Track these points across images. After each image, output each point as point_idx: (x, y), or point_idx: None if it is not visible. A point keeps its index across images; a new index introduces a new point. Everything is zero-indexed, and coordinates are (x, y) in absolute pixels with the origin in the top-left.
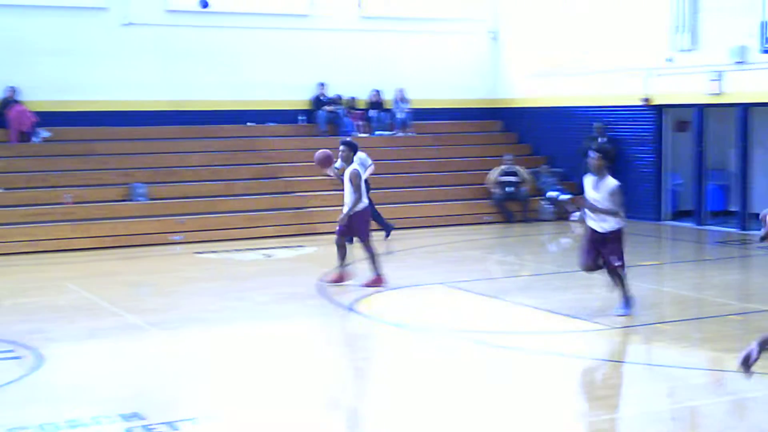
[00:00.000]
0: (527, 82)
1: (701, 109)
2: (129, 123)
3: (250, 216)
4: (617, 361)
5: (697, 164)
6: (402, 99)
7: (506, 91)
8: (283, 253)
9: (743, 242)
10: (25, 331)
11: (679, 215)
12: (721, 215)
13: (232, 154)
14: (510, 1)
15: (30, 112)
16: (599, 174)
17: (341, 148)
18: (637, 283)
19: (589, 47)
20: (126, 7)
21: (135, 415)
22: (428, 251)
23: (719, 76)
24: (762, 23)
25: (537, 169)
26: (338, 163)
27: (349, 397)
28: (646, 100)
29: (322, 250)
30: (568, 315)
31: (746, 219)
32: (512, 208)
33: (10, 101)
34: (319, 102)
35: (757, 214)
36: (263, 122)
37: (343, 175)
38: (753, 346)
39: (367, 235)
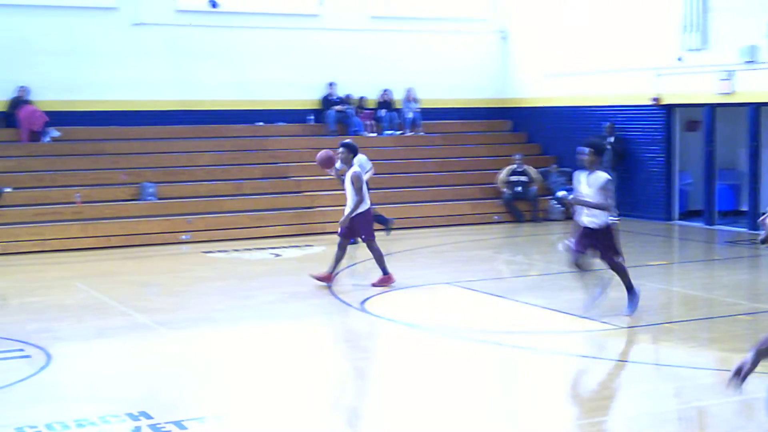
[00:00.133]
0: (537, 82)
1: (711, 108)
2: (138, 123)
3: (259, 215)
4: (625, 360)
5: (707, 164)
6: (411, 99)
7: (516, 91)
8: (292, 252)
9: (753, 242)
10: (33, 330)
11: (688, 215)
12: (731, 215)
13: (241, 154)
14: (519, 0)
15: (40, 111)
16: (590, 169)
17: (340, 149)
18: (646, 282)
19: (599, 47)
20: (136, 7)
21: (143, 414)
22: (437, 251)
23: (729, 76)
24: None
25: (546, 168)
26: (338, 164)
27: (357, 396)
28: (656, 99)
29: (331, 250)
30: (576, 315)
31: (756, 219)
32: (521, 208)
33: (21, 101)
34: (328, 102)
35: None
36: (272, 122)
37: (343, 176)
38: (748, 357)
39: (372, 236)
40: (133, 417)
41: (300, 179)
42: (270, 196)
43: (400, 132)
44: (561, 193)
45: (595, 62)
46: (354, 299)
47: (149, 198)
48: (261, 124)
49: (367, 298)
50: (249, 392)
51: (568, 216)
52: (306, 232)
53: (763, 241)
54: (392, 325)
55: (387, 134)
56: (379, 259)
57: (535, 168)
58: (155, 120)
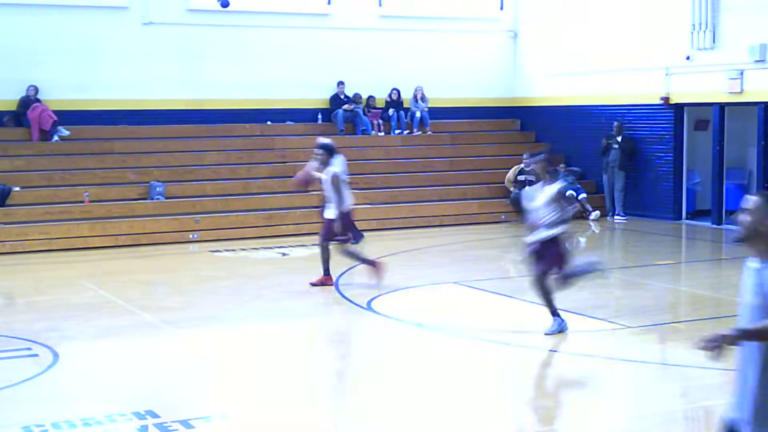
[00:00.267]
0: (546, 81)
1: (720, 107)
2: (147, 122)
3: (267, 215)
4: (632, 360)
5: (716, 163)
6: (420, 98)
7: (525, 90)
8: (299, 251)
9: None
10: (40, 329)
11: (697, 214)
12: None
13: (250, 153)
14: (529, 0)
15: (50, 111)
16: (545, 179)
17: (318, 150)
18: (653, 282)
19: (608, 46)
20: (146, 7)
21: (149, 413)
22: (444, 250)
23: (739, 75)
24: None
25: (555, 168)
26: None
27: (363, 396)
28: (665, 98)
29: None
30: (583, 314)
31: None
32: None
33: (31, 100)
34: (337, 101)
35: None
36: (281, 121)
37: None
38: (729, 331)
39: (347, 238)
40: (140, 416)
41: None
42: (278, 196)
43: (409, 131)
44: (569, 193)
45: (604, 61)
46: (361, 299)
47: (158, 197)
48: (270, 123)
49: (374, 298)
50: (255, 391)
51: (576, 215)
52: (314, 231)
53: (738, 240)
54: (399, 325)
55: (395, 134)
56: (328, 260)
57: None
58: (164, 119)
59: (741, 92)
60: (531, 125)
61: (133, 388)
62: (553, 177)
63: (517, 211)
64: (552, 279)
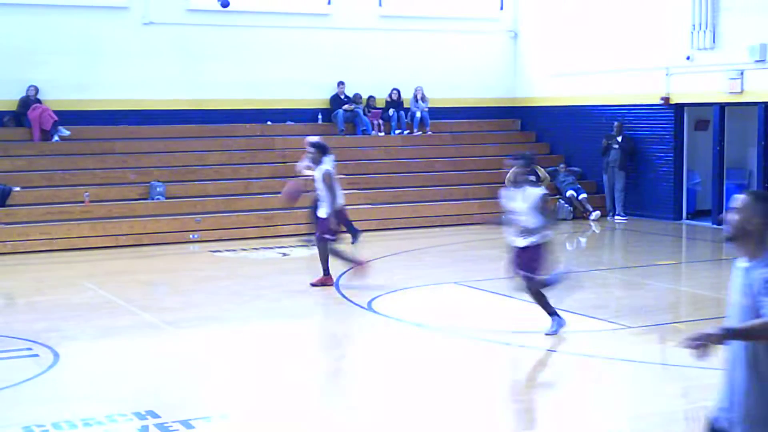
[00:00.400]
0: (546, 81)
1: (720, 107)
2: (148, 122)
3: (268, 215)
4: (632, 360)
5: (716, 163)
6: (420, 98)
7: (525, 90)
8: (300, 252)
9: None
10: (41, 329)
11: (697, 214)
12: None
13: (250, 153)
14: (530, 0)
15: (50, 111)
16: (517, 185)
17: (310, 149)
18: (654, 282)
19: (608, 46)
20: (146, 7)
21: (150, 413)
22: (445, 250)
23: (739, 75)
24: None
25: (555, 168)
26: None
27: (364, 396)
28: (665, 98)
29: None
30: (583, 314)
31: None
32: None
33: (32, 100)
34: (337, 101)
35: None
36: (282, 121)
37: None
38: (716, 330)
39: (335, 237)
40: (140, 416)
41: (309, 178)
42: (279, 196)
43: (409, 131)
44: (569, 193)
45: (605, 61)
46: (361, 299)
47: (158, 197)
48: (270, 123)
49: (375, 298)
50: (256, 391)
51: (577, 216)
52: (314, 231)
53: (727, 239)
54: (400, 325)
55: (396, 134)
56: (326, 259)
57: (544, 167)
58: (165, 119)
59: (741, 92)
60: (531, 125)
61: (134, 388)
62: (534, 181)
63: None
64: (523, 280)
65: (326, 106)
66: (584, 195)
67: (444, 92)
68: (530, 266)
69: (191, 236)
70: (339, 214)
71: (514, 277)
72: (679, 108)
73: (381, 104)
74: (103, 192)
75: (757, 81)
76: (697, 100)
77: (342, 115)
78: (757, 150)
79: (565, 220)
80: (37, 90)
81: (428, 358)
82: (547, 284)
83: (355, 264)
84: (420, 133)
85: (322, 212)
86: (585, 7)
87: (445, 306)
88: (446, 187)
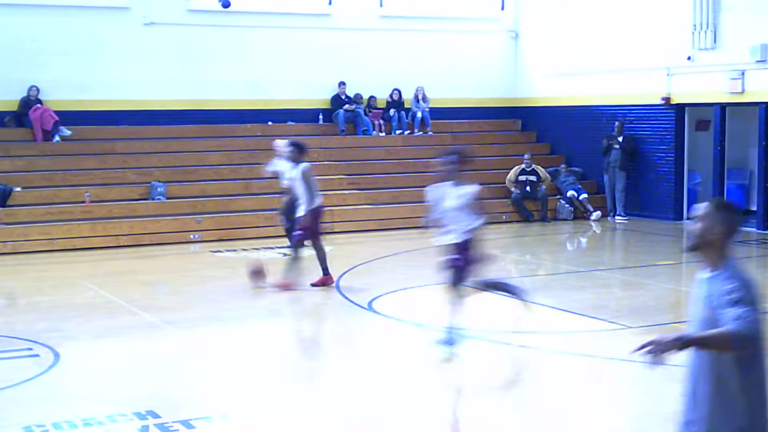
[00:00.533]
0: (547, 82)
1: (721, 108)
2: (148, 122)
3: (268, 215)
4: (633, 360)
5: (717, 163)
6: (421, 98)
7: (526, 91)
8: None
9: (762, 242)
10: (42, 329)
11: None
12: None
13: (251, 153)
14: (530, 0)
15: (50, 111)
16: (456, 179)
17: (289, 149)
18: (654, 282)
19: (609, 46)
20: (147, 7)
21: (150, 413)
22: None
23: (740, 75)
24: None
25: (556, 168)
26: (275, 166)
27: (364, 396)
28: (666, 99)
29: (338, 249)
30: (584, 314)
31: (766, 218)
32: (530, 207)
33: (33, 100)
34: (338, 101)
35: None
36: (282, 121)
37: (280, 176)
38: (670, 336)
39: (318, 234)
40: (141, 416)
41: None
42: (279, 196)
43: (410, 132)
44: (570, 194)
45: (605, 61)
46: (362, 299)
47: (158, 197)
48: (271, 123)
49: (375, 298)
50: (256, 391)
51: (577, 216)
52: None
53: (689, 249)
54: (400, 325)
55: (396, 134)
56: (323, 258)
57: (544, 167)
58: (165, 119)
59: (742, 92)
60: (532, 125)
61: (134, 388)
62: (466, 179)
63: (520, 211)
64: (467, 284)
65: (327, 106)
66: (585, 195)
67: (445, 92)
68: (462, 264)
69: (192, 236)
70: (316, 213)
71: (454, 279)
72: (680, 108)
73: (382, 104)
74: (103, 192)
75: (758, 81)
76: (698, 100)
77: (343, 116)
78: (758, 150)
79: (566, 220)
80: (38, 90)
81: (428, 358)
82: (497, 288)
83: (288, 281)
84: (421, 133)
85: (301, 211)
86: (586, 7)
87: (445, 306)
88: None
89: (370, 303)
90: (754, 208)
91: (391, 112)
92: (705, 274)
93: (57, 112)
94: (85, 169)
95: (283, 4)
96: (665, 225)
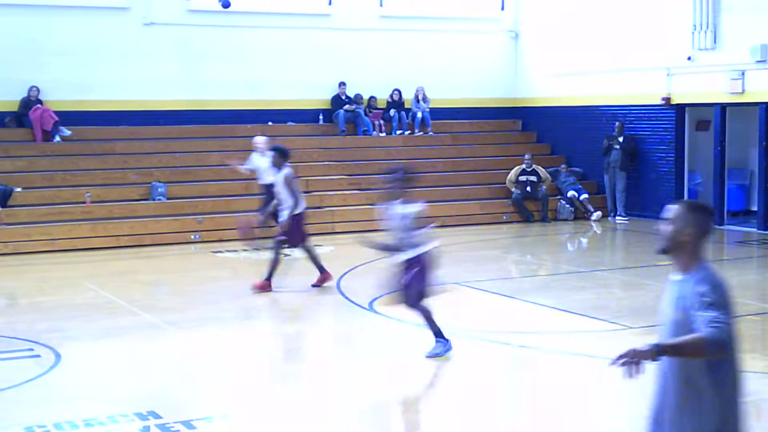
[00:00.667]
0: (547, 82)
1: (722, 108)
2: (149, 122)
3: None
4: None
5: (717, 164)
6: (421, 98)
7: (526, 91)
8: (301, 252)
9: (763, 242)
10: (42, 329)
11: None
12: (741, 215)
13: (252, 154)
14: (531, 0)
15: (51, 111)
16: (401, 198)
17: (271, 153)
18: (655, 282)
19: (609, 46)
20: (147, 7)
21: (151, 414)
22: (445, 250)
23: (740, 75)
24: None
25: (556, 168)
26: (248, 165)
27: (364, 396)
28: (667, 99)
29: (340, 250)
30: (584, 315)
31: (766, 219)
32: (530, 208)
33: (34, 101)
34: (338, 101)
35: None
36: (282, 122)
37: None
38: (646, 347)
39: (304, 237)
40: (142, 417)
41: (309, 179)
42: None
43: (410, 132)
44: (570, 194)
45: (606, 62)
46: (362, 299)
47: (159, 198)
48: (271, 124)
49: (376, 298)
50: (257, 392)
51: (578, 216)
52: (315, 231)
53: (660, 252)
54: (400, 325)
55: (397, 134)
56: (315, 258)
57: (545, 168)
58: (165, 120)
59: (742, 93)
60: (532, 126)
61: (135, 388)
62: (412, 197)
63: (520, 211)
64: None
65: (327, 106)
66: (585, 195)
67: (445, 92)
68: (412, 282)
69: (192, 237)
70: (298, 218)
71: (399, 294)
72: (681, 108)
73: (382, 105)
74: (104, 192)
75: (758, 81)
76: (698, 100)
77: (343, 116)
78: (758, 150)
79: (566, 220)
80: (38, 91)
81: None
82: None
83: (267, 281)
84: (421, 133)
85: (284, 216)
86: (586, 7)
87: (445, 306)
88: (447, 188)
89: (370, 303)
90: (754, 208)
91: (392, 112)
92: (676, 276)
93: (57, 113)
94: (85, 169)
95: (283, 4)
96: None
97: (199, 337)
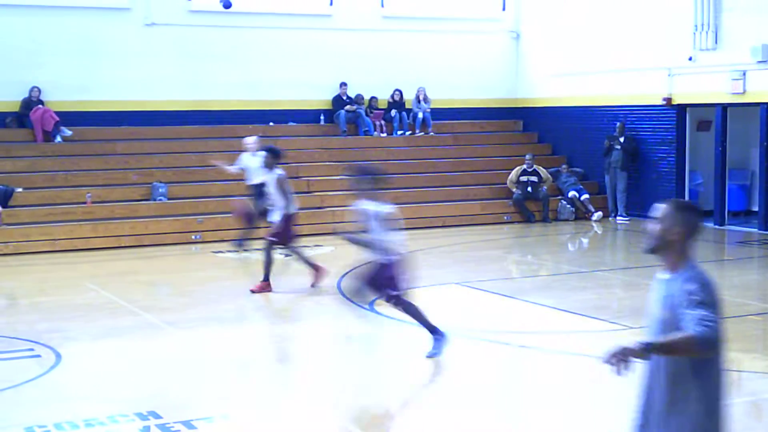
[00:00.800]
0: (548, 82)
1: (723, 108)
2: (150, 123)
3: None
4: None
5: (718, 164)
6: (422, 99)
7: (527, 91)
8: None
9: (764, 242)
10: (43, 329)
11: None
12: (742, 215)
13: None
14: (532, 0)
15: (51, 112)
16: (375, 198)
17: (264, 154)
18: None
19: (610, 46)
20: (148, 8)
21: (152, 414)
22: (447, 251)
23: (741, 76)
24: None
25: (557, 168)
26: (242, 163)
27: (364, 396)
28: (668, 99)
29: (340, 250)
30: (585, 315)
31: (767, 219)
32: (532, 208)
33: (35, 101)
34: (339, 102)
35: None
36: (284, 122)
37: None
38: (636, 344)
39: (293, 238)
40: (142, 417)
41: (310, 179)
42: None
43: (411, 132)
44: (571, 194)
45: (607, 62)
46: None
47: (160, 198)
48: (272, 124)
49: (376, 298)
50: (257, 392)
51: (579, 216)
52: (316, 232)
53: (648, 251)
54: (401, 326)
55: (398, 134)
56: (268, 264)
57: (546, 168)
58: (166, 120)
59: (743, 93)
60: (533, 126)
61: (136, 388)
62: (377, 197)
63: (521, 211)
64: (386, 300)
65: (328, 107)
66: (586, 196)
67: (446, 93)
68: (389, 283)
69: (193, 237)
70: (289, 219)
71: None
72: (682, 109)
73: (383, 105)
74: (105, 193)
75: (759, 81)
76: (700, 100)
77: (344, 116)
78: (759, 151)
79: (567, 220)
80: (39, 91)
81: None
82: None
83: (265, 281)
84: (422, 133)
85: (276, 216)
86: (587, 7)
87: (446, 306)
88: (448, 188)
89: (371, 303)
90: (755, 208)
91: (393, 112)
92: (664, 275)
93: (58, 113)
94: (86, 169)
95: (284, 4)
96: None
97: (199, 337)
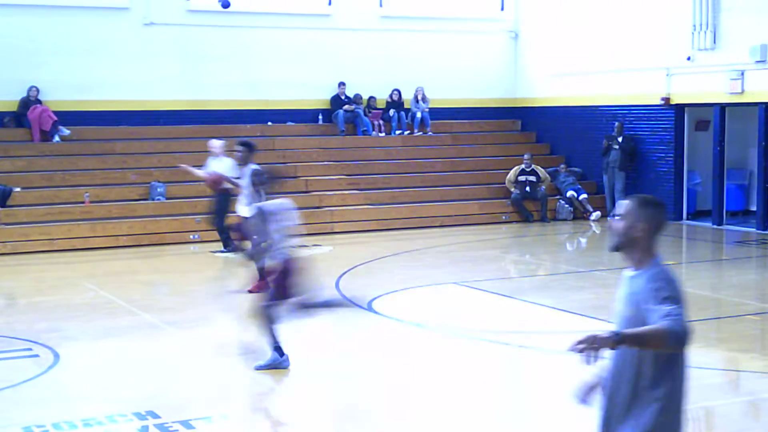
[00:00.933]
0: (547, 82)
1: (721, 108)
2: (148, 122)
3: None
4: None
5: (716, 164)
6: (421, 98)
7: (525, 91)
8: (300, 252)
9: (762, 242)
10: (41, 329)
11: (697, 215)
12: (740, 215)
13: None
14: (530, 0)
15: (50, 111)
16: (266, 199)
17: (239, 148)
18: None
19: (609, 46)
20: (147, 7)
21: (150, 414)
22: (445, 250)
23: (740, 76)
24: None
25: (555, 168)
26: (209, 168)
27: (363, 396)
28: (666, 99)
29: (338, 250)
30: (583, 314)
31: (765, 219)
32: (530, 208)
33: (33, 101)
34: (338, 101)
35: None
36: (282, 121)
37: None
38: (606, 334)
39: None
40: (141, 416)
41: (308, 179)
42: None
43: (409, 132)
44: (570, 194)
45: (605, 62)
46: (363, 299)
47: (158, 198)
48: (270, 124)
49: (375, 298)
50: (256, 392)
51: (577, 216)
52: (314, 231)
53: (612, 248)
54: (399, 325)
55: (396, 134)
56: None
57: (544, 168)
58: (165, 120)
59: (742, 93)
60: (532, 126)
61: (134, 388)
62: (275, 194)
63: (520, 211)
64: (290, 307)
65: (327, 106)
66: (584, 195)
67: (444, 93)
68: (279, 289)
69: (191, 236)
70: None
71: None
72: (680, 108)
73: (381, 105)
74: (103, 192)
75: (757, 81)
76: (698, 100)
77: (342, 116)
78: (757, 150)
79: (565, 220)
80: (38, 91)
81: (428, 358)
82: (318, 306)
83: (263, 282)
84: (420, 133)
85: (245, 211)
86: (586, 7)
87: (444, 306)
88: (446, 188)
89: (369, 303)
90: (753, 208)
91: (391, 112)
92: (629, 272)
93: (57, 113)
94: (84, 169)
95: (283, 4)
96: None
97: (198, 336)
